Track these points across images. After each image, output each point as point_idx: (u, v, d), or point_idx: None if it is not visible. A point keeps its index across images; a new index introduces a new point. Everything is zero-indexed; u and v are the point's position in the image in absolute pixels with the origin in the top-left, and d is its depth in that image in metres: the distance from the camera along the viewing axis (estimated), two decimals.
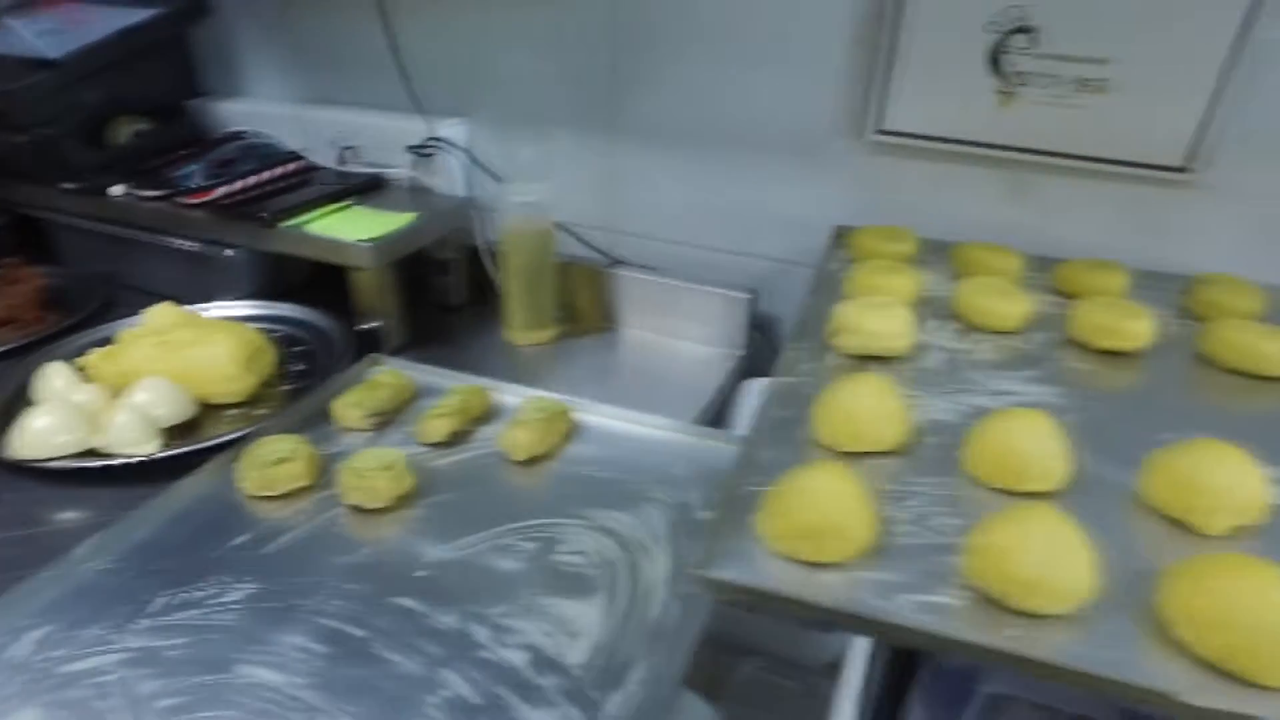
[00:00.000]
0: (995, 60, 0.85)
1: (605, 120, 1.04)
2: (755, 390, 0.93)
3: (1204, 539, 0.52)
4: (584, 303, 1.08)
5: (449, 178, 1.07)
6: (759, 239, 1.02)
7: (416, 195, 1.06)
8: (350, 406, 0.83)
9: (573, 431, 0.84)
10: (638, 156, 1.05)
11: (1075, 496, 0.55)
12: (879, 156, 0.94)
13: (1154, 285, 0.84)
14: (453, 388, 0.86)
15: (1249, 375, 0.71)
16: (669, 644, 0.62)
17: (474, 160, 1.07)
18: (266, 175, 1.04)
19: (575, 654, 0.61)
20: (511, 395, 0.88)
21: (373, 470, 0.73)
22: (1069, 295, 0.82)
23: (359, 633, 0.62)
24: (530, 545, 0.71)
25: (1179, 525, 0.53)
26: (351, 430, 0.83)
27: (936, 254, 0.89)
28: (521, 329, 1.01)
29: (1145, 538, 0.52)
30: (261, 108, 1.19)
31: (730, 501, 0.53)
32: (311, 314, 1.01)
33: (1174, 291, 0.83)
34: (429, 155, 1.04)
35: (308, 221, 0.96)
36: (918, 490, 0.56)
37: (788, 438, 0.60)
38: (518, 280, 0.98)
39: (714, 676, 0.99)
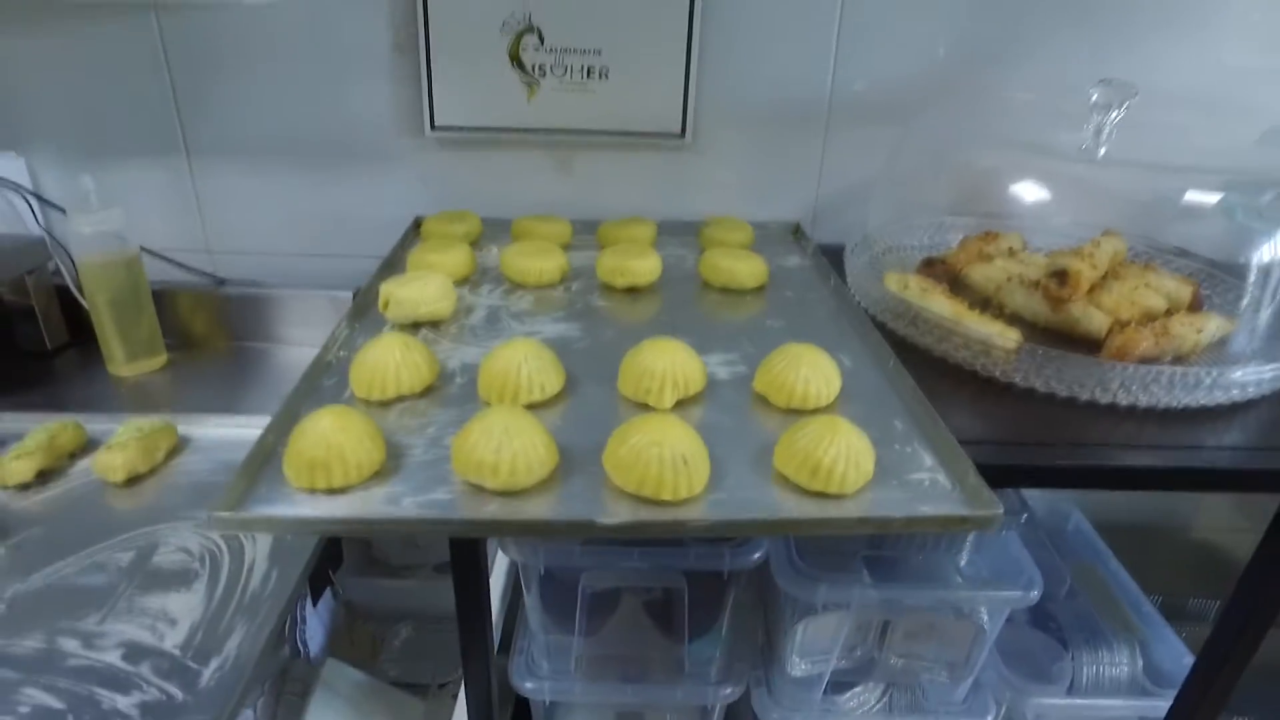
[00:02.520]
0: (516, 57, 0.99)
1: (180, 143, 1.06)
2: None
3: (661, 412, 0.67)
4: (197, 325, 1.09)
5: (11, 217, 1.03)
6: (356, 239, 1.09)
7: None
8: None
9: (180, 446, 0.87)
10: (223, 176, 1.08)
11: (569, 399, 0.69)
12: (442, 151, 1.05)
13: (677, 231, 1.03)
14: (38, 427, 0.84)
15: (731, 291, 0.89)
16: (268, 608, 0.68)
17: (33, 194, 1.04)
18: None
19: (174, 638, 0.65)
20: (110, 424, 0.88)
21: None
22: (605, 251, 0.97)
23: None
24: (127, 555, 0.73)
25: (642, 405, 0.67)
26: None
27: (502, 230, 1.01)
28: (125, 362, 0.99)
29: (615, 418, 0.65)
30: None
31: (259, 455, 0.60)
32: None
33: (693, 232, 1.02)
34: None
35: None
36: (437, 420, 0.65)
37: (328, 398, 0.68)
38: (110, 313, 0.97)
39: (371, 645, 1.05)
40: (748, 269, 0.89)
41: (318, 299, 1.07)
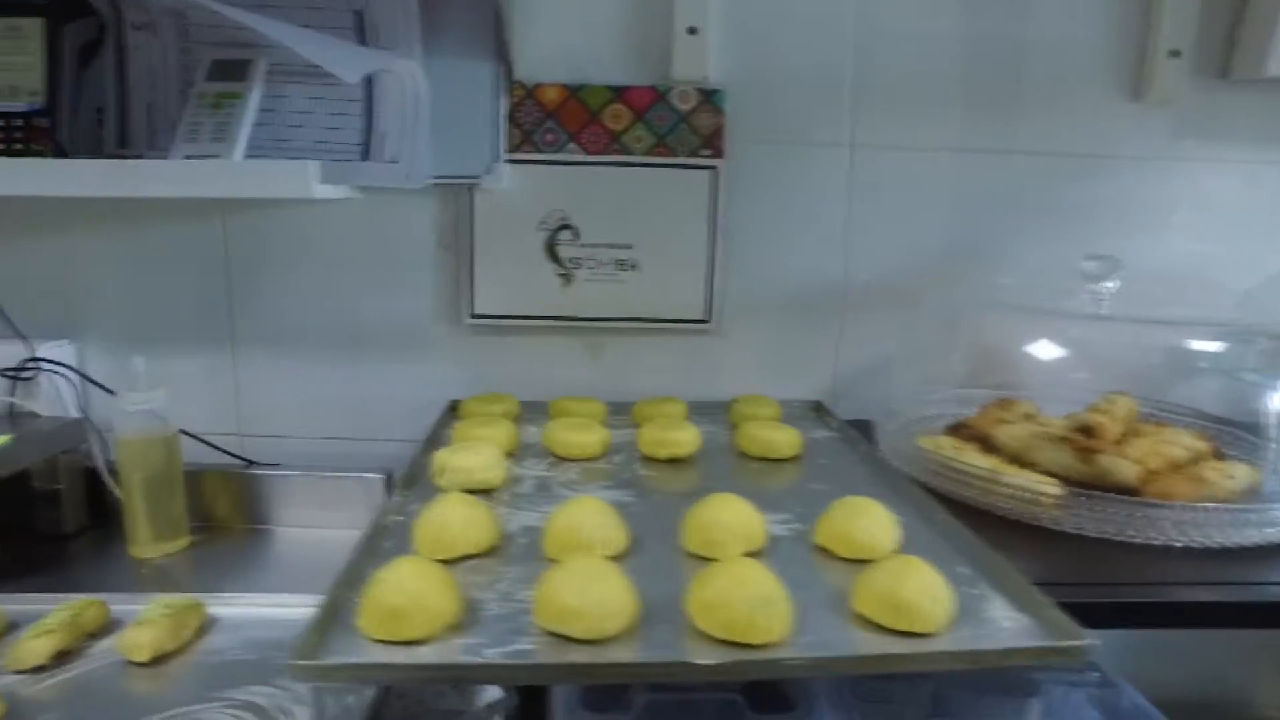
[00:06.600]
0: (552, 251, 1.07)
1: (226, 331, 1.11)
2: None
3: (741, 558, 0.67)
4: (222, 508, 1.08)
5: (54, 400, 1.04)
6: (388, 423, 1.12)
7: (16, 420, 1.02)
8: None
9: (208, 626, 0.83)
10: (263, 362, 1.12)
11: (634, 556, 0.69)
12: (478, 337, 1.11)
13: (706, 410, 1.06)
14: (59, 606, 0.81)
15: (768, 460, 0.92)
16: None
17: (83, 375, 1.07)
18: None
19: None
20: (135, 605, 0.84)
21: None
22: (642, 426, 0.99)
23: None
24: None
25: (707, 560, 0.67)
26: None
27: (536, 411, 1.05)
28: (149, 542, 0.97)
29: (682, 571, 0.66)
30: None
31: (329, 608, 0.58)
32: None
33: (721, 412, 1.06)
34: (28, 378, 1.02)
35: None
36: (506, 576, 0.65)
37: (389, 557, 0.67)
38: (142, 492, 0.96)
39: None
40: (785, 438, 0.92)
41: (347, 482, 1.07)
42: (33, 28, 0.92)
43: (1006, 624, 0.59)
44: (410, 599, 0.56)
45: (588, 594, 0.56)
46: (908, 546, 0.70)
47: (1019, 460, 0.88)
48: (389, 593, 0.56)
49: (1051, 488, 0.75)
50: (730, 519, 0.68)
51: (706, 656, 0.55)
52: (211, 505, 1.08)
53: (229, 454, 1.10)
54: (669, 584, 0.62)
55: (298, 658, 0.53)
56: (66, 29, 0.95)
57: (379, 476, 1.07)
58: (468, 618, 0.59)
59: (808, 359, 1.13)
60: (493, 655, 0.55)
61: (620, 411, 1.05)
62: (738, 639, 0.55)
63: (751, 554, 0.68)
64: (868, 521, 0.69)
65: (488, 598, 0.62)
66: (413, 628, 0.55)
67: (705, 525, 0.68)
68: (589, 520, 0.68)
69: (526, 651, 0.55)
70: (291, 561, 1.03)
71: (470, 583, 0.64)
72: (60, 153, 0.93)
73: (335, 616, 0.59)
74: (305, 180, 0.91)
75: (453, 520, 0.68)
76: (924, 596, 0.57)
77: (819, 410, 1.10)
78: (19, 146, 0.91)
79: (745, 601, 0.56)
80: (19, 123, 0.91)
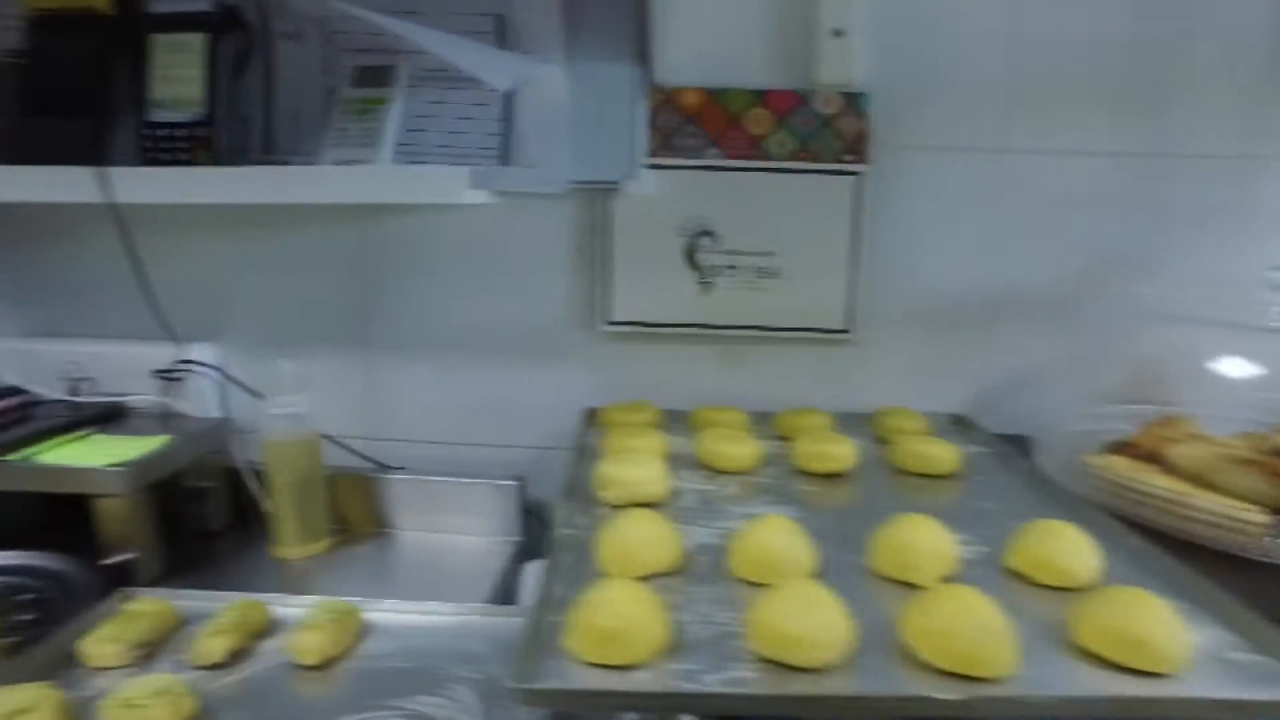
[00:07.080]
0: (691, 257, 1.05)
1: (360, 335, 1.12)
2: (536, 571, 0.97)
3: (921, 589, 0.64)
4: (355, 511, 1.09)
5: (201, 401, 1.06)
6: (518, 430, 1.12)
7: (166, 420, 1.04)
8: (104, 642, 0.76)
9: (364, 630, 0.84)
10: (394, 366, 1.13)
11: (823, 578, 0.67)
12: (611, 344, 1.10)
13: (848, 423, 1.03)
14: (227, 605, 0.82)
15: (929, 476, 0.89)
16: None
17: (230, 378, 1.09)
18: None
19: None
20: (292, 606, 0.85)
21: (146, 698, 0.67)
22: (787, 438, 0.97)
23: None
24: None
25: (901, 583, 0.65)
26: (108, 669, 0.76)
27: (675, 420, 1.03)
28: (293, 543, 0.99)
29: (881, 595, 0.64)
30: None
31: (534, 630, 0.58)
32: (40, 558, 0.92)
33: (863, 424, 1.03)
34: (178, 379, 1.04)
35: (37, 453, 0.91)
36: (698, 598, 0.63)
37: (578, 575, 0.66)
38: (286, 494, 0.97)
39: None
40: (945, 454, 0.89)
41: (480, 488, 1.07)
42: (196, 42, 0.94)
43: (1246, 664, 0.56)
44: (625, 622, 0.55)
45: (809, 620, 0.54)
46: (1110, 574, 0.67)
47: (1199, 483, 0.84)
48: (603, 616, 0.55)
49: (1257, 515, 0.71)
50: (924, 542, 0.66)
51: (929, 688, 0.53)
52: (345, 508, 1.09)
53: (367, 459, 1.11)
54: (868, 608, 0.60)
55: (518, 682, 0.52)
56: (222, 41, 0.96)
57: (513, 483, 1.07)
58: (674, 641, 0.58)
59: (949, 370, 1.10)
60: (711, 683, 0.53)
61: (759, 421, 1.03)
62: (961, 671, 0.53)
63: (945, 578, 0.66)
64: (1067, 546, 0.66)
65: (686, 620, 0.60)
66: (627, 652, 0.54)
67: (899, 547, 0.66)
68: (778, 540, 0.66)
69: (745, 679, 0.54)
70: (429, 566, 1.03)
71: (664, 603, 0.62)
72: (218, 161, 0.94)
73: (539, 637, 0.58)
74: (456, 186, 0.91)
75: (640, 538, 0.66)
76: (1162, 633, 0.54)
77: (961, 423, 1.07)
78: (183, 156, 0.93)
79: (971, 631, 0.54)
80: (183, 133, 0.93)
